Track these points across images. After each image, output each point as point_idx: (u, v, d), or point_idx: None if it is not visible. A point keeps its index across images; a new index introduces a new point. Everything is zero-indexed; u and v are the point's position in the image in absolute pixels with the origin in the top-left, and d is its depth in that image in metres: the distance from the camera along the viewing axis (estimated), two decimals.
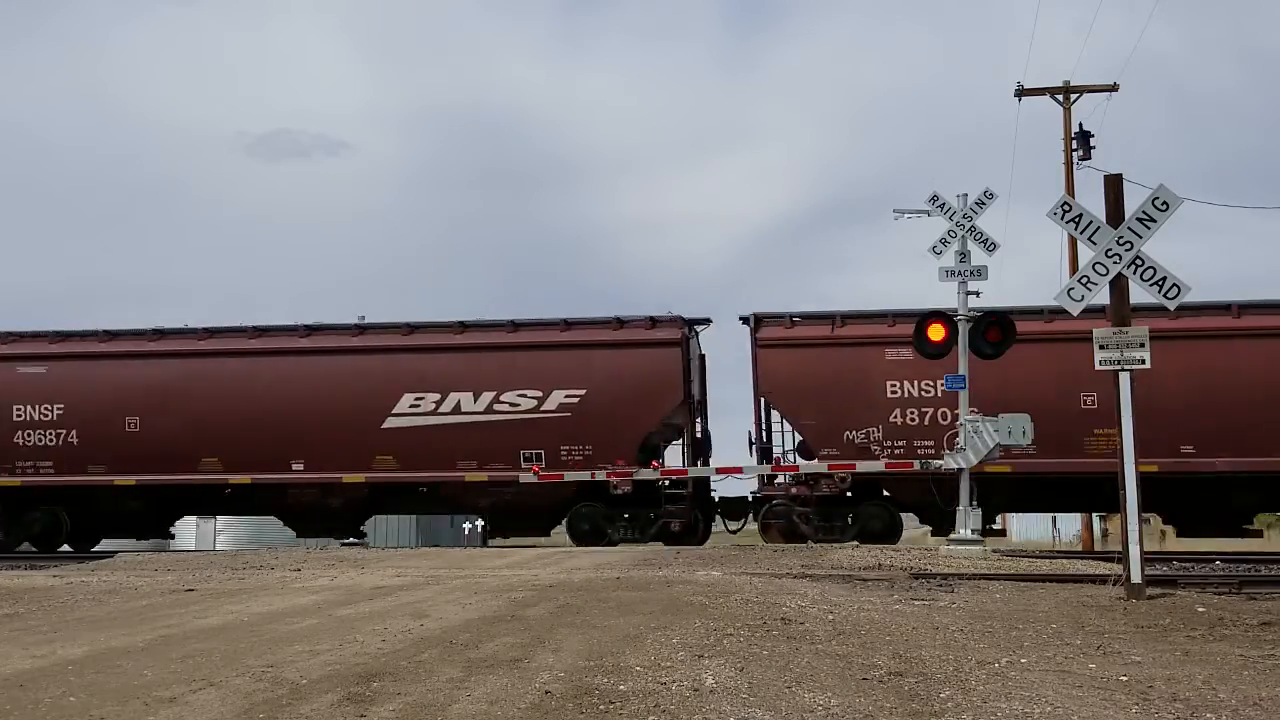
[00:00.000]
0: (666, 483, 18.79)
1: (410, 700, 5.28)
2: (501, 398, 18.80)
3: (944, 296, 16.31)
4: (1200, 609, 8.74)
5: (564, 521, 19.49)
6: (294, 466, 19.14)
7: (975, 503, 15.01)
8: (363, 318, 20.51)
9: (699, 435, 19.92)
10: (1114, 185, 10.16)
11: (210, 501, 20.95)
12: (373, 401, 19.09)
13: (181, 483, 19.55)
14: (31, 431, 19.82)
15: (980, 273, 15.32)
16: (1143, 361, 9.74)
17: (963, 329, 15.09)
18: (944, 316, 15.20)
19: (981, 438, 14.56)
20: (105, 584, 11.56)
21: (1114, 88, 27.39)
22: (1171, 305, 10.04)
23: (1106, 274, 9.87)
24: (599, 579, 10.91)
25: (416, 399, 18.99)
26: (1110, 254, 9.84)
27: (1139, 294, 10.06)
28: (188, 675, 5.97)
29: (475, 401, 18.84)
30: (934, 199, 15.49)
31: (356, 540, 25.35)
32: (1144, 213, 9.81)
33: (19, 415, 19.84)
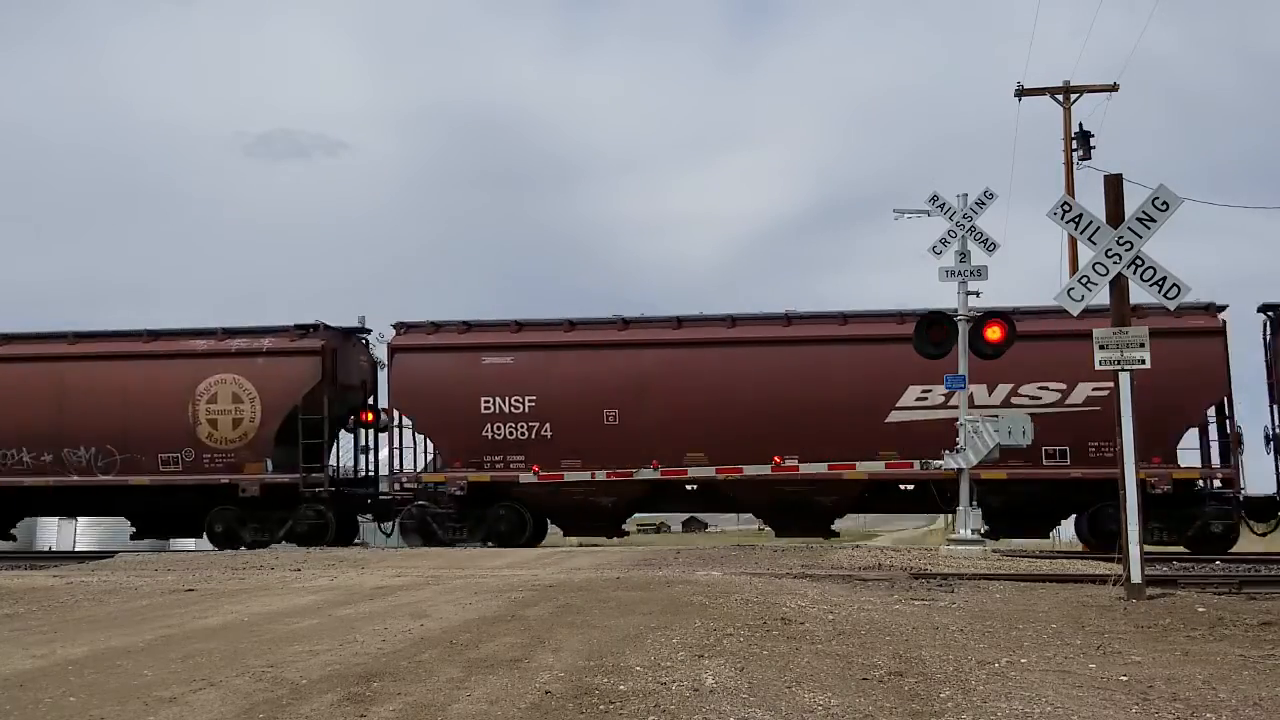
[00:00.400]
0: (1214, 483, 17.75)
1: (410, 700, 5.28)
2: (1020, 390, 17.77)
3: (945, 297, 16.32)
4: (1200, 609, 8.74)
5: (1074, 521, 18.61)
6: (786, 462, 18.03)
7: (975, 503, 15.02)
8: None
9: (1237, 430, 18.41)
10: (1114, 185, 10.16)
11: (673, 497, 20.04)
12: (875, 394, 18.12)
13: (668, 478, 18.42)
14: (501, 425, 18.74)
15: (980, 273, 15.34)
16: (1143, 361, 9.76)
17: (964, 334, 15.10)
18: None
19: (981, 438, 14.56)
20: (105, 584, 11.56)
21: (1114, 88, 27.34)
22: (1172, 305, 10.06)
23: (1106, 274, 9.88)
24: (599, 579, 10.92)
25: (924, 391, 17.88)
26: (1110, 254, 9.84)
27: (1137, 294, 10.08)
28: (188, 675, 5.97)
29: (990, 394, 17.71)
30: (934, 199, 15.49)
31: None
32: (1144, 213, 9.81)
33: (486, 408, 18.78)
